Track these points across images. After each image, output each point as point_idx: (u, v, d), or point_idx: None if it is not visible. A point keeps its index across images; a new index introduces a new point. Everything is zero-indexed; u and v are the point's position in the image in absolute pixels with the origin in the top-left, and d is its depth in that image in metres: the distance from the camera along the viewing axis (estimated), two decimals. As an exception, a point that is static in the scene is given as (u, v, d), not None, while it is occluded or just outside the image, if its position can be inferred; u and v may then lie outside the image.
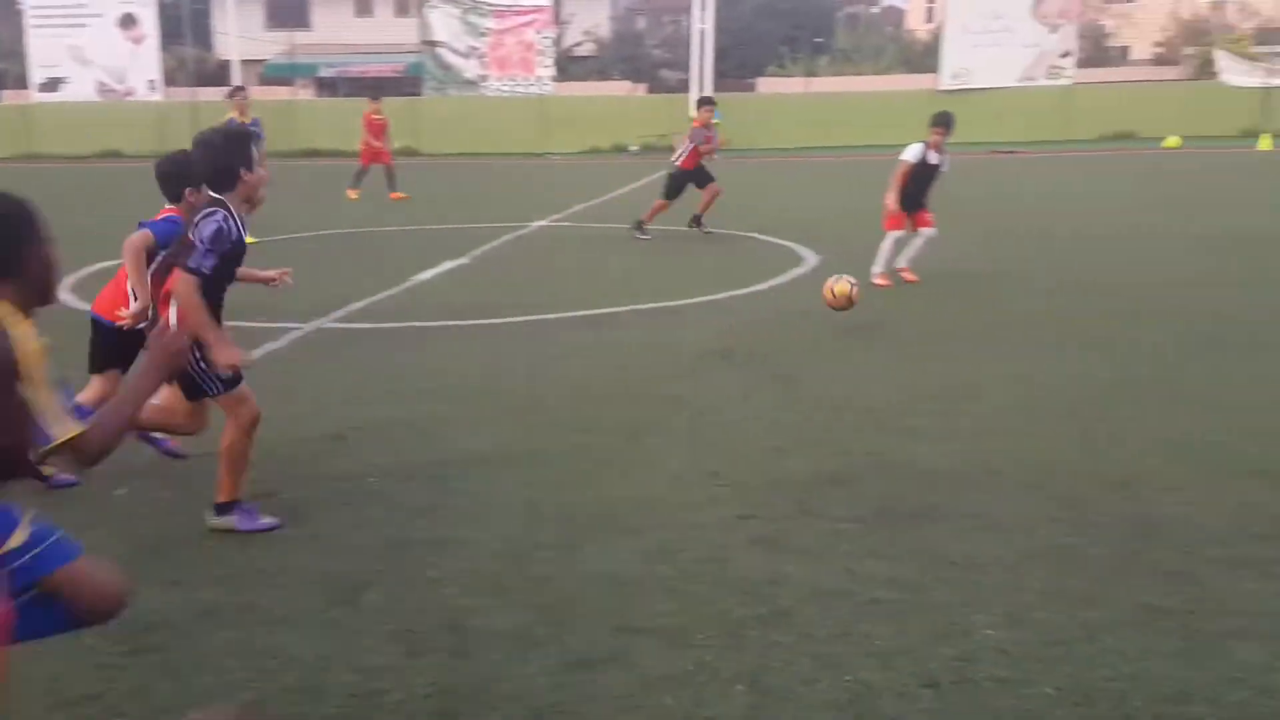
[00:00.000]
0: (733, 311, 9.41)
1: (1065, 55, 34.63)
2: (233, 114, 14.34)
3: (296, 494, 5.16)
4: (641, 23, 60.63)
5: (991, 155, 29.27)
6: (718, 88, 37.57)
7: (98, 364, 5.47)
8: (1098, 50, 52.47)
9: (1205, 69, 38.54)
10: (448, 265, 11.98)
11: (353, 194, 19.69)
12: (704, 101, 15.40)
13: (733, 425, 6.18)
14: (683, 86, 38.24)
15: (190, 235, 4.47)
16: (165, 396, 4.82)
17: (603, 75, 52.08)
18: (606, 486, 5.22)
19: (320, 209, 18.24)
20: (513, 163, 30.86)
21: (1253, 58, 36.84)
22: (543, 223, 16.09)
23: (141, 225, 5.24)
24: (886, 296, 9.80)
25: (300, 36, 49.28)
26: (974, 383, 6.92)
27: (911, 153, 10.15)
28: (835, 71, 47.92)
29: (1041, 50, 34.27)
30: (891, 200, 10.17)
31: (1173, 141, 30.57)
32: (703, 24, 34.13)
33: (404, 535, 4.67)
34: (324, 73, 52.39)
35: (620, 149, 33.97)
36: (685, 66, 38.14)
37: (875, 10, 64.19)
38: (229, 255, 4.51)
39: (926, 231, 10.30)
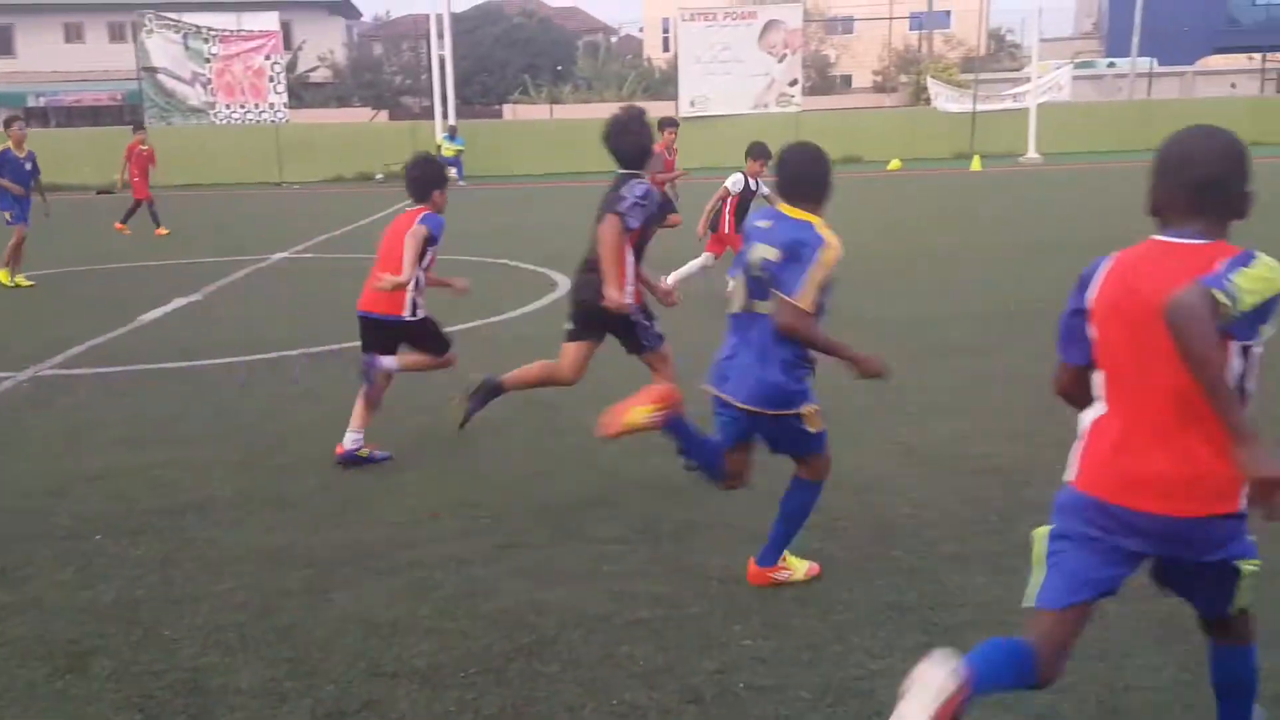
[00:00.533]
0: (487, 339, 9.30)
1: (793, 83, 36.53)
2: (8, 145, 13.04)
3: (12, 556, 4.70)
4: (379, 49, 59.53)
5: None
6: (462, 114, 37.45)
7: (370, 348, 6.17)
8: (823, 79, 55.52)
9: (920, 96, 41.45)
10: (178, 303, 11.31)
11: (161, 230, 18.48)
12: (666, 123, 13.34)
13: (493, 454, 6.09)
14: (426, 113, 37.87)
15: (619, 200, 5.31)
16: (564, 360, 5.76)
17: (342, 102, 50.74)
18: (357, 526, 5.02)
19: (33, 245, 16.87)
20: (249, 193, 29.63)
21: (960, 85, 39.93)
22: (283, 255, 15.48)
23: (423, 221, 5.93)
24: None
25: (3, 64, 45.63)
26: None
27: (735, 183, 10.80)
28: (580, 99, 48.58)
29: (771, 78, 36.03)
30: (702, 227, 10.85)
31: (895, 164, 32.76)
32: (441, 50, 33.93)
33: (135, 593, 4.33)
34: (33, 102, 48.59)
35: (366, 177, 33.24)
36: (427, 93, 37.81)
37: (614, 39, 65.59)
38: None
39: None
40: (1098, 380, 2.72)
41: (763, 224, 4.09)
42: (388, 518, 5.12)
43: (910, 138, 36.03)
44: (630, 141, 5.46)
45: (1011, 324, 9.23)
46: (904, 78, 49.16)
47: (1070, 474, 2.74)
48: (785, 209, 4.09)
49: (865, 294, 10.91)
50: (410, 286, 5.91)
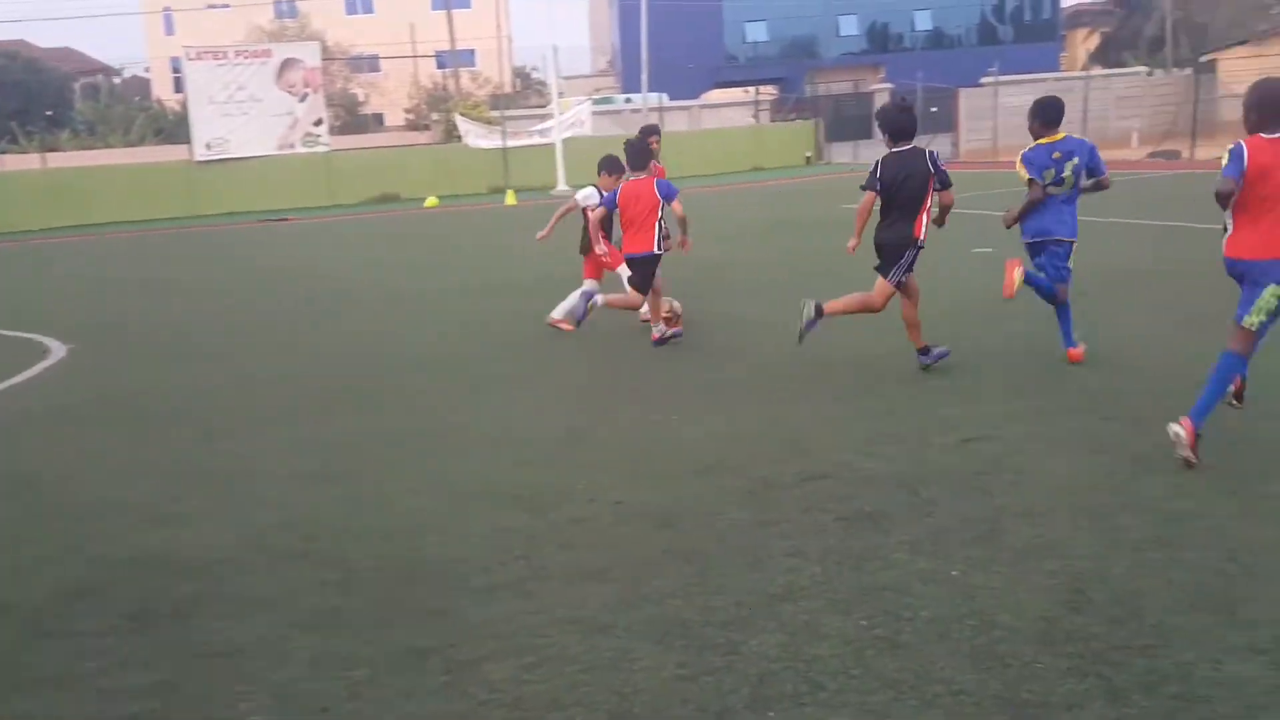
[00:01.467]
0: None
1: (318, 123, 35.74)
2: None
3: None
4: None
5: (264, 224, 29.15)
6: (-69, 168, 32.96)
7: (640, 281, 9.08)
8: (354, 118, 54.90)
9: (452, 133, 41.91)
10: None
11: None
12: (650, 130, 11.47)
13: (-47, 553, 5.21)
14: (-110, 168, 32.93)
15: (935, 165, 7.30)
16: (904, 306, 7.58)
17: None
18: None
19: None
20: None
21: (490, 122, 40.90)
22: None
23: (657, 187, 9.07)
24: (176, 377, 9.12)
25: None
26: (248, 456, 6.61)
27: (586, 197, 9.85)
28: (80, 146, 44.43)
29: (295, 118, 35.01)
30: (549, 232, 10.40)
31: (432, 201, 32.91)
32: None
33: None
34: None
35: None
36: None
37: (118, 80, 60.66)
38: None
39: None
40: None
41: (1056, 154, 7.15)
42: None
43: (445, 174, 36.40)
44: (906, 120, 7.36)
45: (546, 350, 9.45)
46: (435, 115, 49.62)
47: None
48: (1045, 140, 7.19)
49: (405, 328, 10.78)
50: (658, 228, 8.99)
